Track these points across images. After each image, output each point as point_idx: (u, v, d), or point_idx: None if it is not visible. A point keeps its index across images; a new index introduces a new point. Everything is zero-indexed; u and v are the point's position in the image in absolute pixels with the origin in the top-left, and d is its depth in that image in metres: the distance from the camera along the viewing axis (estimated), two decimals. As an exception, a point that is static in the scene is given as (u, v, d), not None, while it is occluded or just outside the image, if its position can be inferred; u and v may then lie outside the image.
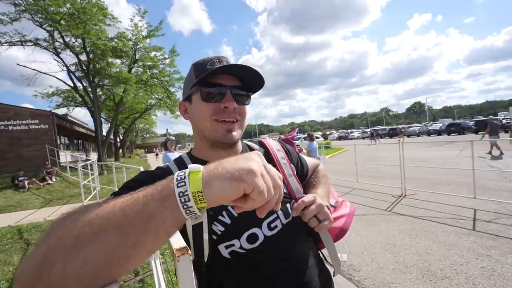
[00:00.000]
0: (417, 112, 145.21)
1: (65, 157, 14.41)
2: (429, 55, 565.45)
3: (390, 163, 9.06)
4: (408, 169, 6.94)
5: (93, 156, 25.07)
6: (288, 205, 0.82)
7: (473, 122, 30.64)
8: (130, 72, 15.93)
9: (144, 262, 1.77)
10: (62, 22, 12.66)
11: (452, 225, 4.05)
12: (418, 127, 42.27)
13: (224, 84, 0.75)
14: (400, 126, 50.52)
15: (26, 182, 9.76)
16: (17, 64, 15.10)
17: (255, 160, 0.43)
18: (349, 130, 69.18)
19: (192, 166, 0.42)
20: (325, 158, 12.65)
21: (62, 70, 15.54)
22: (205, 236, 0.70)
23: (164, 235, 0.41)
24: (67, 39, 14.21)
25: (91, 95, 15.63)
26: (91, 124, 21.07)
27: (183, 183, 0.40)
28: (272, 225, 0.77)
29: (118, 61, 16.57)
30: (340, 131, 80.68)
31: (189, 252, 0.47)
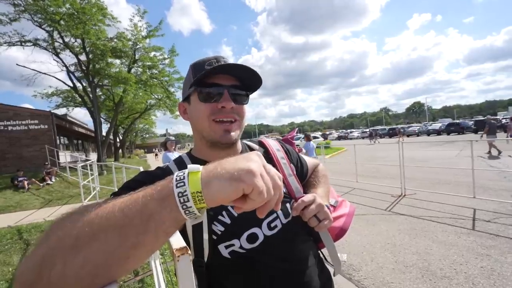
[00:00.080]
0: (416, 112, 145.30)
1: (64, 157, 14.43)
2: (428, 55, 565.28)
3: (390, 163, 9.07)
4: (408, 169, 6.95)
5: (93, 156, 25.08)
6: (288, 205, 0.82)
7: (472, 122, 30.69)
8: (130, 72, 15.93)
9: (143, 262, 1.77)
10: (62, 22, 12.67)
11: (451, 224, 4.05)
12: (418, 127, 42.33)
13: (222, 84, 0.75)
14: (399, 126, 50.66)
15: (25, 182, 9.76)
16: (17, 64, 15.15)
17: (254, 161, 0.43)
18: (348, 130, 69.20)
19: (191, 167, 0.42)
20: (324, 158, 12.65)
21: (62, 70, 15.57)
22: (205, 236, 0.70)
23: (163, 235, 0.41)
24: (66, 39, 14.22)
25: (91, 95, 15.65)
26: (90, 124, 21.13)
27: (182, 183, 0.40)
28: (272, 224, 0.77)
29: (117, 61, 16.61)
30: (340, 131, 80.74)
31: (189, 252, 0.47)
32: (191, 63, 0.82)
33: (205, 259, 0.71)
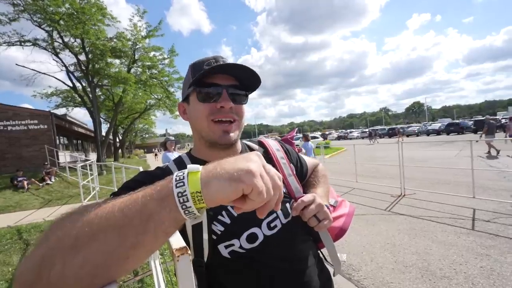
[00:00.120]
0: (416, 112, 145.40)
1: (64, 157, 14.42)
2: (428, 55, 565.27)
3: (389, 163, 9.07)
4: (407, 169, 6.95)
5: (92, 156, 25.10)
6: (287, 205, 0.82)
7: (472, 122, 30.72)
8: (129, 72, 15.91)
9: (143, 262, 1.77)
10: (61, 22, 12.64)
11: (451, 224, 4.05)
12: (417, 127, 42.39)
13: (220, 83, 0.75)
14: (398, 126, 50.84)
15: (25, 182, 9.76)
16: (16, 64, 15.13)
17: (254, 161, 0.43)
18: (348, 130, 69.26)
19: (191, 167, 0.42)
20: (324, 158, 12.65)
21: (61, 70, 15.55)
22: (205, 236, 0.70)
23: (163, 236, 0.41)
24: (66, 39, 14.20)
25: (90, 95, 15.62)
26: (90, 124, 21.13)
27: (181, 183, 0.40)
28: (272, 224, 0.77)
29: (117, 61, 16.58)
30: (340, 131, 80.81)
31: (189, 252, 0.47)
32: (190, 63, 0.82)
33: (205, 259, 0.71)
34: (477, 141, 10.90)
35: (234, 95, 0.76)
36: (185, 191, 0.39)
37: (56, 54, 14.73)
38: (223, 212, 0.74)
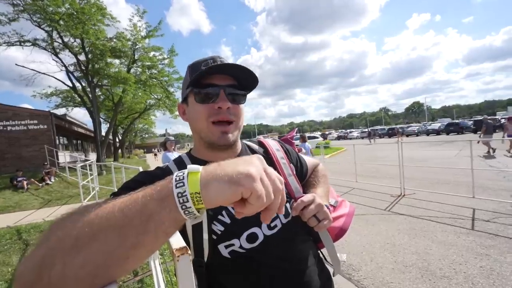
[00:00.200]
0: (416, 111, 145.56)
1: (64, 157, 14.40)
2: (428, 55, 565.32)
3: (389, 163, 9.08)
4: (407, 169, 6.95)
5: (92, 156, 25.09)
6: (287, 205, 0.82)
7: (471, 122, 30.73)
8: (129, 72, 15.90)
9: (143, 262, 1.77)
10: (61, 22, 12.63)
11: (451, 224, 4.06)
12: (417, 127, 42.45)
13: (218, 84, 0.74)
14: (398, 126, 51.03)
15: (25, 182, 9.75)
16: (16, 64, 15.13)
17: (255, 164, 0.43)
18: (348, 130, 69.31)
19: (191, 167, 0.42)
20: (324, 158, 12.65)
21: (61, 70, 15.53)
22: (205, 236, 0.70)
23: (163, 236, 0.41)
24: (65, 39, 14.19)
25: (90, 95, 15.61)
26: (90, 124, 21.13)
27: (181, 184, 0.40)
28: (272, 224, 0.77)
29: (117, 61, 16.58)
30: (339, 131, 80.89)
31: (189, 252, 0.47)
32: (189, 64, 0.82)
33: (205, 259, 0.71)
34: (478, 142, 11.01)
35: (233, 95, 0.76)
36: (185, 191, 0.39)
37: (56, 54, 14.72)
38: (223, 212, 0.74)
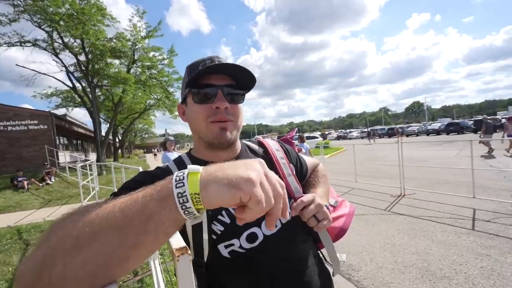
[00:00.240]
0: (416, 111, 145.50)
1: (64, 157, 14.41)
2: (428, 55, 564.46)
3: (389, 162, 9.07)
4: (407, 169, 6.95)
5: (92, 156, 25.10)
6: (287, 205, 0.82)
7: (472, 122, 30.72)
8: (129, 72, 15.91)
9: (143, 262, 1.77)
10: (61, 22, 12.63)
11: (451, 224, 4.05)
12: (417, 127, 42.46)
13: (215, 84, 0.74)
14: (397, 126, 51.11)
15: (25, 182, 9.76)
16: (16, 64, 15.14)
17: (255, 169, 0.43)
18: (348, 130, 69.31)
19: (191, 167, 0.42)
20: (324, 158, 12.65)
21: (61, 70, 15.53)
22: (205, 236, 0.70)
23: (163, 236, 0.41)
24: (66, 40, 14.20)
25: (90, 96, 15.62)
26: (90, 125, 21.12)
27: (181, 184, 0.40)
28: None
29: (117, 61, 16.59)
30: (339, 131, 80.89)
31: (189, 252, 0.47)
32: (187, 65, 0.82)
33: (205, 259, 0.71)
34: (479, 142, 11.05)
35: (231, 94, 0.76)
36: (185, 191, 0.39)
37: (56, 55, 14.73)
38: (223, 212, 0.74)
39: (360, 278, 2.92)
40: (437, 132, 34.00)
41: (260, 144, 0.97)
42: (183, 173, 0.41)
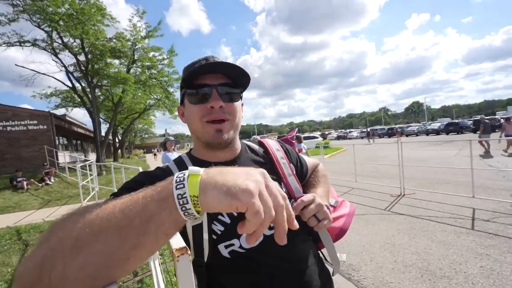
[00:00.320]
0: (415, 111, 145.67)
1: (63, 157, 14.38)
2: (427, 55, 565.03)
3: (389, 162, 9.08)
4: (407, 169, 6.95)
5: (92, 156, 25.06)
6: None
7: (471, 122, 30.74)
8: (129, 72, 15.89)
9: (143, 263, 1.77)
10: (61, 22, 12.62)
11: (451, 224, 4.06)
12: (417, 127, 42.50)
13: (210, 83, 0.74)
14: (397, 126, 51.20)
15: (24, 183, 9.75)
16: (16, 64, 15.11)
17: (255, 180, 0.41)
18: (347, 130, 69.36)
19: (192, 169, 0.42)
20: (323, 157, 12.65)
21: (61, 70, 15.50)
22: (205, 236, 0.70)
23: (163, 237, 0.41)
24: (65, 40, 14.18)
25: (90, 96, 15.60)
26: (89, 125, 21.11)
27: (181, 185, 0.40)
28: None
29: (116, 61, 16.57)
30: (339, 131, 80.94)
31: (189, 252, 0.47)
32: (185, 66, 0.82)
33: (205, 259, 0.71)
34: (480, 142, 11.12)
35: (226, 93, 0.76)
36: (185, 193, 0.39)
37: (56, 55, 14.71)
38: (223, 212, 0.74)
39: (360, 277, 2.92)
40: (437, 132, 34.02)
41: (261, 144, 0.97)
42: (184, 175, 0.41)
